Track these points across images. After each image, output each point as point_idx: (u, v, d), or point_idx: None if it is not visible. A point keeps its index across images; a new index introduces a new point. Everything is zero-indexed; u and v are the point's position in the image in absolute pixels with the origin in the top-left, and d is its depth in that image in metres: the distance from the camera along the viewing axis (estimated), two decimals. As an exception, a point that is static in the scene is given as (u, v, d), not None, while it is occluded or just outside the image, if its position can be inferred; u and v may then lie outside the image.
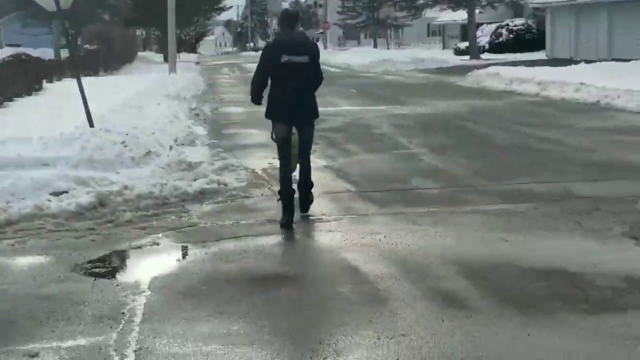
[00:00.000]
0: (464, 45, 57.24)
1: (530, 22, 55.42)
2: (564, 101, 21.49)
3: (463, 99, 23.27)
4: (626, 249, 6.94)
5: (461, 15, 58.39)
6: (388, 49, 69.03)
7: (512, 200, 9.14)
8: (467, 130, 16.25)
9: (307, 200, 8.76)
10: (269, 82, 8.35)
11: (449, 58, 52.34)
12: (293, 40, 8.32)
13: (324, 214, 8.76)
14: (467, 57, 51.56)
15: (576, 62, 35.35)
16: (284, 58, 8.13)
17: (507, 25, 55.87)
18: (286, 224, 8.17)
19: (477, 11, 53.53)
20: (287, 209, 8.25)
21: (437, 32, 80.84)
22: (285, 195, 8.31)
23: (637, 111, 18.19)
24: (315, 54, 8.38)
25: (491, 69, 31.47)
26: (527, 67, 31.05)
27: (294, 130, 8.56)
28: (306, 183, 8.70)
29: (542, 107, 20.48)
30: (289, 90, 8.23)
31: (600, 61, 35.54)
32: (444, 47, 71.07)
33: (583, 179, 10.34)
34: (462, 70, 35.61)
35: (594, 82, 22.36)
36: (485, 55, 52.29)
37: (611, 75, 24.29)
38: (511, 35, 54.98)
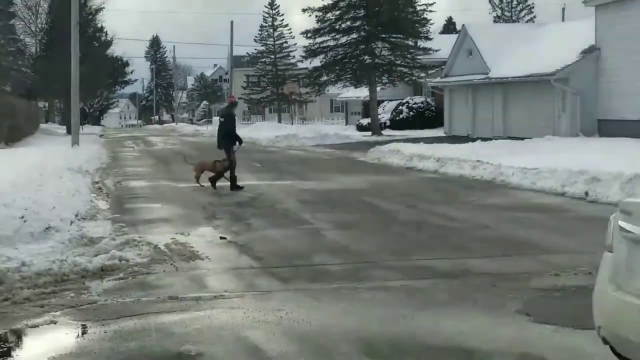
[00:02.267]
0: (366, 121, 58.38)
1: (429, 100, 57.01)
2: (462, 178, 22.07)
3: (366, 175, 23.66)
4: (520, 325, 7.13)
5: (363, 92, 59.63)
6: (292, 123, 69.78)
7: (413, 276, 9.31)
8: (370, 206, 16.51)
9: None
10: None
11: (352, 134, 53.25)
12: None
13: (226, 291, 8.74)
14: (369, 133, 52.55)
15: (473, 140, 36.44)
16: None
17: (408, 102, 57.33)
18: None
19: (378, 88, 54.78)
20: None
21: (340, 107, 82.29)
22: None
23: (530, 188, 18.81)
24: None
25: (392, 146, 32.14)
26: (426, 144, 31.85)
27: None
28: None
29: (441, 183, 20.98)
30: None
31: (496, 139, 36.73)
32: (347, 123, 72.27)
33: (481, 255, 10.61)
34: (365, 146, 36.25)
35: (490, 159, 23.06)
36: (386, 132, 53.39)
37: (506, 153, 25.13)
38: (411, 113, 56.40)
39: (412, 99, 57.81)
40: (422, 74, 53.89)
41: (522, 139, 34.19)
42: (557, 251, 10.84)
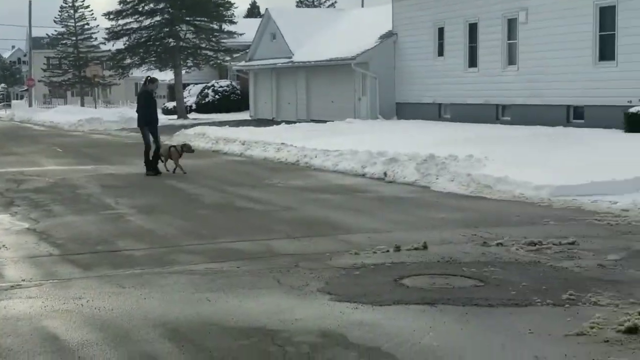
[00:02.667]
0: (172, 104, 57.78)
1: (234, 83, 57.12)
2: (267, 160, 22.31)
3: (171, 159, 23.38)
4: (321, 304, 7.31)
5: (169, 76, 58.91)
6: (96, 107, 67.90)
7: (217, 259, 9.34)
8: (175, 189, 16.38)
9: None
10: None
11: (158, 117, 52.45)
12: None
13: (24, 280, 8.45)
14: (175, 116, 52.03)
15: (277, 123, 36.90)
16: None
17: (213, 86, 57.18)
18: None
19: (183, 72, 54.30)
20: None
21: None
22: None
23: (333, 170, 19.27)
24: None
25: (198, 129, 32.01)
26: (232, 127, 31.96)
27: None
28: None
29: (246, 166, 21.12)
30: None
31: (299, 122, 37.36)
32: (152, 106, 71.04)
33: (284, 236, 10.78)
34: (171, 129, 35.85)
35: (294, 142, 23.42)
36: (192, 115, 53.06)
37: (309, 136, 25.60)
38: (217, 96, 56.30)
39: (217, 83, 57.70)
40: (227, 58, 53.88)
41: (325, 121, 34.93)
42: (357, 230, 11.17)
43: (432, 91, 33.26)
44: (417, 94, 34.35)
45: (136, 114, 20.10)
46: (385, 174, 17.60)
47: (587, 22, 25.56)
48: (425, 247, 9.72)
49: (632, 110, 22.62)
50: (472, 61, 31.34)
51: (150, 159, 19.29)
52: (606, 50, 25.09)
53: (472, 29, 31.24)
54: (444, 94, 32.68)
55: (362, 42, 36.93)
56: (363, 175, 18.09)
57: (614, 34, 24.68)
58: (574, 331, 6.32)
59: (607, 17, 25.06)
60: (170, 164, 19.44)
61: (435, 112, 33.28)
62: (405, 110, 35.00)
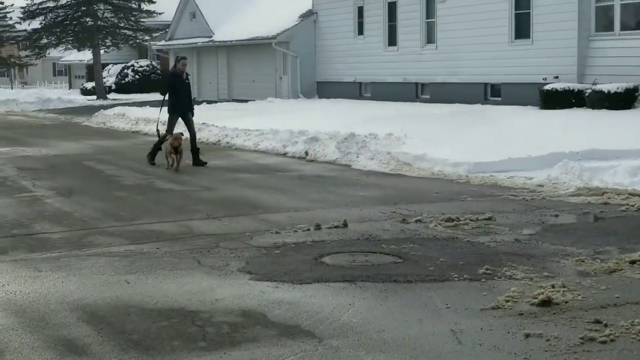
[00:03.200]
0: (90, 85, 56.81)
1: (155, 63, 56.41)
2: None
3: (91, 140, 23.11)
4: (241, 284, 7.31)
5: (87, 56, 57.89)
6: (12, 88, 66.31)
7: (137, 240, 9.26)
8: (94, 171, 16.16)
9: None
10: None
11: (76, 98, 51.69)
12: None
13: (-64, 267, 8.26)
14: (94, 97, 51.22)
15: (199, 103, 36.57)
16: None
17: (133, 66, 56.39)
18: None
19: (102, 51, 53.38)
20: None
21: (64, 71, 79.35)
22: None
23: (254, 149, 19.26)
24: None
25: (118, 109, 31.62)
26: (152, 108, 31.53)
27: None
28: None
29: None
30: None
31: (221, 102, 37.16)
32: (70, 87, 69.95)
33: (205, 217, 10.74)
34: (90, 110, 35.33)
35: (215, 122, 23.29)
36: (112, 96, 52.31)
37: (231, 115, 25.52)
38: (137, 76, 55.56)
39: (137, 62, 56.91)
40: (147, 37, 53.17)
41: (247, 101, 34.83)
42: (278, 210, 11.19)
43: (353, 70, 33.38)
44: (337, 73, 34.44)
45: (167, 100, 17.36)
46: (306, 153, 17.65)
47: (503, 0, 25.94)
48: (345, 225, 9.80)
49: (547, 87, 23.08)
50: (392, 40, 31.52)
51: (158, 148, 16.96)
52: (522, 28, 25.53)
53: (392, 7, 31.40)
54: (364, 73, 32.83)
55: (283, 20, 36.83)
56: (284, 155, 18.11)
57: (529, 12, 25.11)
58: (490, 305, 6.46)
59: (522, -5, 25.50)
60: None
61: (356, 91, 33.42)
62: (326, 89, 35.07)
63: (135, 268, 7.96)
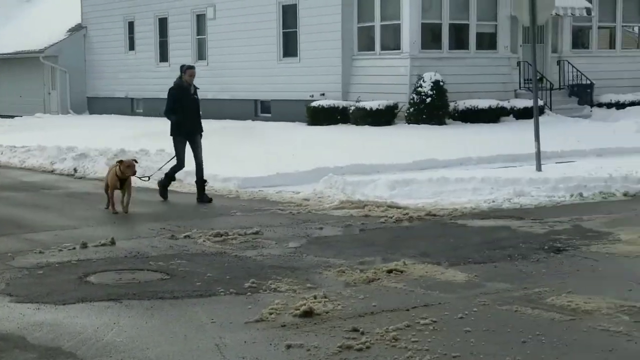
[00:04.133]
0: None
1: None
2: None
3: None
4: (1, 307, 7.06)
5: None
6: None
7: None
8: None
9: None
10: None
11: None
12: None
13: None
14: None
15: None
16: None
17: None
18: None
19: None
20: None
21: None
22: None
23: (20, 167, 18.58)
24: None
25: None
26: None
27: None
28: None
29: None
30: None
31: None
32: None
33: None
34: None
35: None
36: None
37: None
38: None
39: None
40: None
41: (13, 116, 33.47)
42: (43, 229, 10.88)
43: (124, 85, 32.95)
44: (109, 89, 33.86)
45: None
46: (75, 169, 17.24)
47: (271, 19, 26.56)
48: (113, 242, 9.70)
49: (314, 104, 23.86)
50: (164, 56, 31.42)
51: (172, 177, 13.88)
52: (289, 46, 26.25)
53: (163, 23, 31.32)
54: (136, 89, 32.47)
55: (51, 34, 35.77)
56: (52, 172, 17.59)
57: (296, 31, 25.86)
58: (254, 318, 6.62)
59: (289, 15, 26.21)
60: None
61: (128, 106, 33.00)
62: (97, 105, 34.37)
63: None
